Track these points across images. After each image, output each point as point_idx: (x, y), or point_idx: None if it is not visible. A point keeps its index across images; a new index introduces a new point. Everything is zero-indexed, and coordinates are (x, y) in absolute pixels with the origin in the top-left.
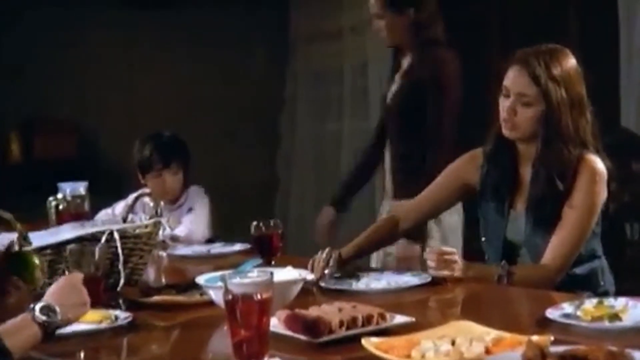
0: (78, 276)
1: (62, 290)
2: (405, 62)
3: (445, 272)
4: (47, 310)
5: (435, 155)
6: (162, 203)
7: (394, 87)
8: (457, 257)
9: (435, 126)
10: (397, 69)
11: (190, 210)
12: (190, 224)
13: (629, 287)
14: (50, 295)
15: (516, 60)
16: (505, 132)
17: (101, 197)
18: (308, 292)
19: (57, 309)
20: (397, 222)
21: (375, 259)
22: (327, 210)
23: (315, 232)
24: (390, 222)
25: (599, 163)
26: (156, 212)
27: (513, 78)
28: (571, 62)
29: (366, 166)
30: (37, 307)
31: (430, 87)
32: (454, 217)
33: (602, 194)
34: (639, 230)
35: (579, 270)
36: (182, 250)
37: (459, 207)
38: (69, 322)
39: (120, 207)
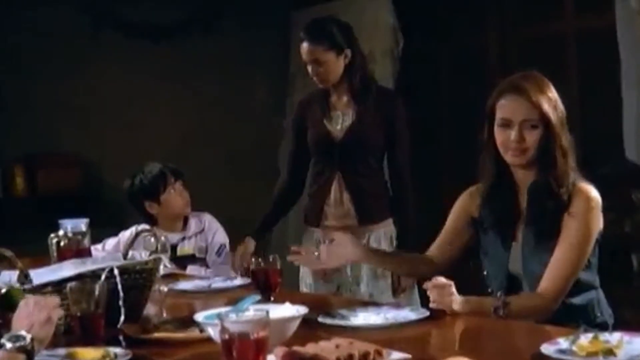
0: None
1: (26, 311)
2: (341, 100)
3: (442, 306)
4: (15, 339)
5: (409, 178)
6: (169, 238)
7: (340, 122)
8: (454, 290)
9: (407, 154)
10: (328, 106)
11: (220, 243)
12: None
13: (637, 318)
14: (16, 321)
15: (509, 90)
16: (514, 159)
17: (104, 230)
18: (305, 328)
19: (23, 332)
20: (432, 259)
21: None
22: (249, 240)
23: (235, 257)
24: (425, 256)
25: (593, 191)
26: (156, 248)
27: (512, 107)
28: (550, 85)
29: (284, 202)
30: (5, 339)
31: (394, 122)
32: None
33: (598, 222)
34: None
35: (575, 300)
36: (182, 285)
37: None
38: (44, 339)
39: (110, 243)
